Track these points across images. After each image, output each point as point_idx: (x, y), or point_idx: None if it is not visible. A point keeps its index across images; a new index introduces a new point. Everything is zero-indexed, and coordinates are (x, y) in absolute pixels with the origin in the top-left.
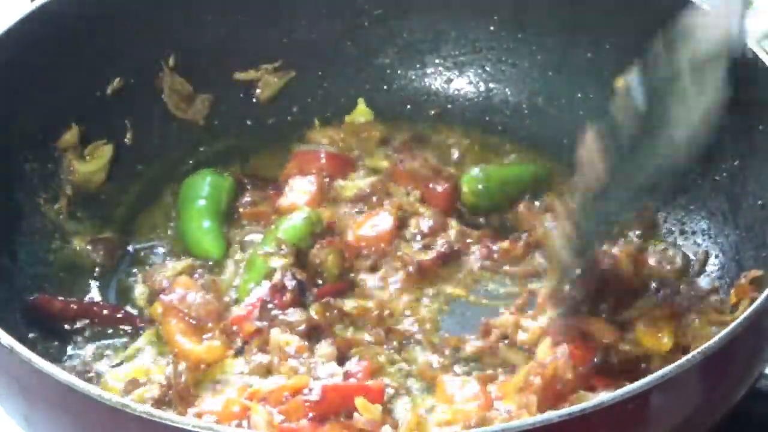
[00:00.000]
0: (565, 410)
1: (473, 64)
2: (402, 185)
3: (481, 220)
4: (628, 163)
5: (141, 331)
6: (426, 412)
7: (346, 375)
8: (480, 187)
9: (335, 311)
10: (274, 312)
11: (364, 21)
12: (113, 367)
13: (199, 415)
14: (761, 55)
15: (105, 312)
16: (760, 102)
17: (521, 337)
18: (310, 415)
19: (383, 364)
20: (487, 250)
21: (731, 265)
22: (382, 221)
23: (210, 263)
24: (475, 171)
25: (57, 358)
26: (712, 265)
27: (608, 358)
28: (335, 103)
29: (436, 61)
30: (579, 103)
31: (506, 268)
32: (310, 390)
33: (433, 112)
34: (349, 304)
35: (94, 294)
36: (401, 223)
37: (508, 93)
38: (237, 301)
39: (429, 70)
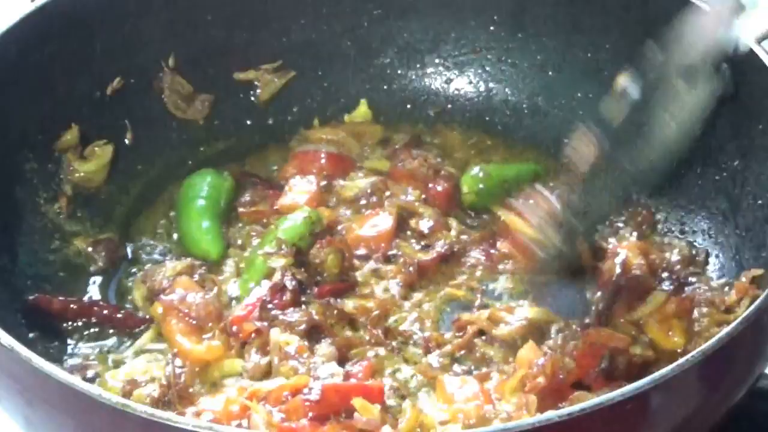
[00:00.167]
0: (565, 410)
1: (473, 64)
2: (402, 185)
3: (485, 216)
4: (618, 158)
5: (141, 331)
6: (426, 412)
7: (346, 375)
8: (480, 186)
9: (335, 311)
10: (274, 312)
11: (364, 21)
12: (113, 367)
13: (198, 415)
14: (761, 55)
15: (105, 312)
16: (760, 102)
17: (499, 331)
18: (310, 415)
19: (383, 364)
20: (487, 250)
21: (731, 265)
22: (382, 221)
23: (210, 263)
24: (475, 170)
25: (57, 358)
26: (712, 265)
27: (616, 364)
28: (335, 103)
29: (436, 61)
30: (579, 103)
31: (506, 267)
32: (310, 390)
33: (433, 112)
34: (349, 304)
35: (94, 294)
36: (401, 224)
37: (508, 93)
38: (237, 301)
39: (429, 70)
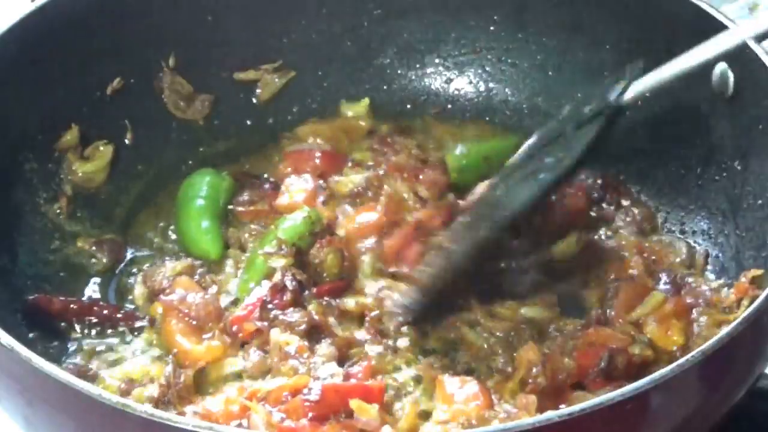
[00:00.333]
0: (565, 410)
1: (473, 64)
2: (394, 178)
3: None
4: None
5: (141, 331)
6: (426, 412)
7: (347, 375)
8: (464, 163)
9: (335, 310)
10: (274, 312)
11: (364, 21)
12: (113, 366)
13: (198, 415)
14: (761, 55)
15: (105, 312)
16: (760, 102)
17: (491, 324)
18: (310, 415)
19: (383, 364)
20: None
21: (731, 265)
22: (375, 216)
23: (210, 263)
24: (458, 149)
25: (57, 358)
26: (712, 265)
27: (615, 363)
28: (335, 103)
29: (436, 61)
30: (579, 103)
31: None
32: (310, 390)
33: (433, 112)
34: (348, 303)
35: (94, 294)
36: (397, 217)
37: (508, 93)
38: (237, 301)
39: (429, 70)
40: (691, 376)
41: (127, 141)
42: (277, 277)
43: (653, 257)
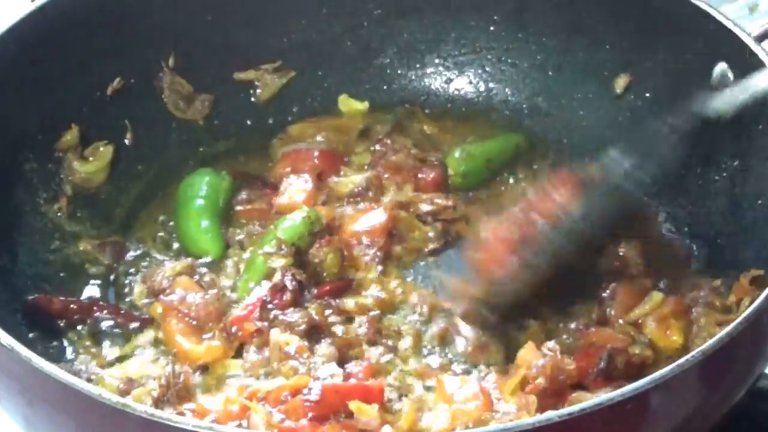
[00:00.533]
0: (565, 410)
1: (473, 64)
2: (393, 179)
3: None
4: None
5: (140, 331)
6: (425, 412)
7: (346, 375)
8: (463, 168)
9: (335, 310)
10: (274, 312)
11: (364, 21)
12: (112, 366)
13: (198, 414)
14: (761, 55)
15: (105, 312)
16: (760, 102)
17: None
18: (310, 415)
19: (383, 364)
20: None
21: (731, 265)
22: (376, 217)
23: (210, 263)
24: (458, 152)
25: (57, 358)
26: (712, 265)
27: (615, 363)
28: (335, 104)
29: (436, 61)
30: (579, 103)
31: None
32: (310, 390)
33: (433, 112)
34: (348, 303)
35: (94, 294)
36: (397, 219)
37: (508, 93)
38: (237, 301)
39: (429, 70)
40: (691, 376)
41: (127, 141)
42: (277, 277)
43: (653, 257)
